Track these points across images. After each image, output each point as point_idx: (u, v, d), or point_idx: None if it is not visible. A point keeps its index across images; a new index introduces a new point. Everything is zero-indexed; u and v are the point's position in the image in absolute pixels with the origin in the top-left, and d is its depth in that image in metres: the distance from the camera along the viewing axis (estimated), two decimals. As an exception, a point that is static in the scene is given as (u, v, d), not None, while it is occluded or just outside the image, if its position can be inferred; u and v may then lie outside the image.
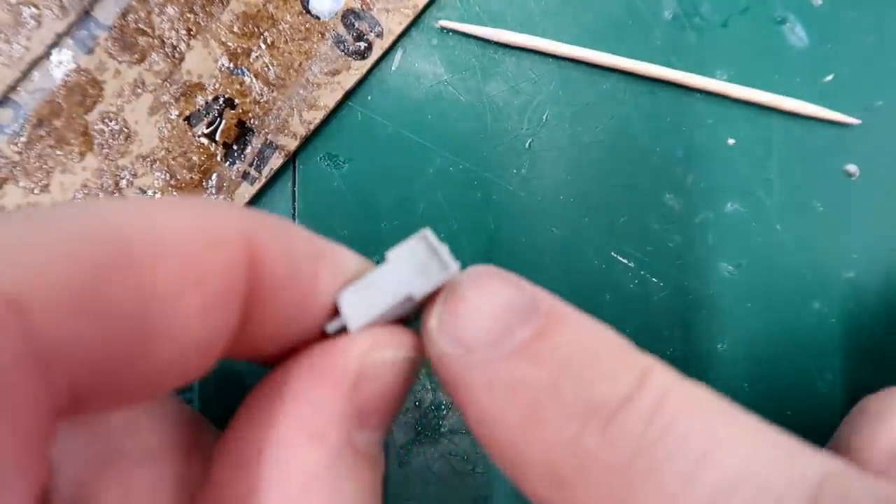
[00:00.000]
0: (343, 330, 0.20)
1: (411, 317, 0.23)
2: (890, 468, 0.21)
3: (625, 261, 0.31)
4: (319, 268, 0.20)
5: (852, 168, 0.31)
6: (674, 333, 0.31)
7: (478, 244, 0.31)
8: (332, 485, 0.18)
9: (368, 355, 0.19)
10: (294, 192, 0.32)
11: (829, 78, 0.32)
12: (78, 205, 0.16)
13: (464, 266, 0.20)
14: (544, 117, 0.32)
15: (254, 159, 0.31)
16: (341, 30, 0.31)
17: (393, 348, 0.20)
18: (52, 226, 0.14)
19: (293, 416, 0.19)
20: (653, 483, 0.15)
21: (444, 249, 0.20)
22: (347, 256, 0.21)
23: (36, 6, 0.29)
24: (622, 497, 0.15)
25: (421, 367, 0.21)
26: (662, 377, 0.16)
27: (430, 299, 0.21)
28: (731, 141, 0.32)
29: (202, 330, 0.16)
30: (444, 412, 0.31)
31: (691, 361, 0.31)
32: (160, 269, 0.15)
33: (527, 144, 0.32)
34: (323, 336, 0.21)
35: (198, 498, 0.19)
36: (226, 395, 0.24)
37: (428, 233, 0.21)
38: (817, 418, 0.30)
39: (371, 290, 0.20)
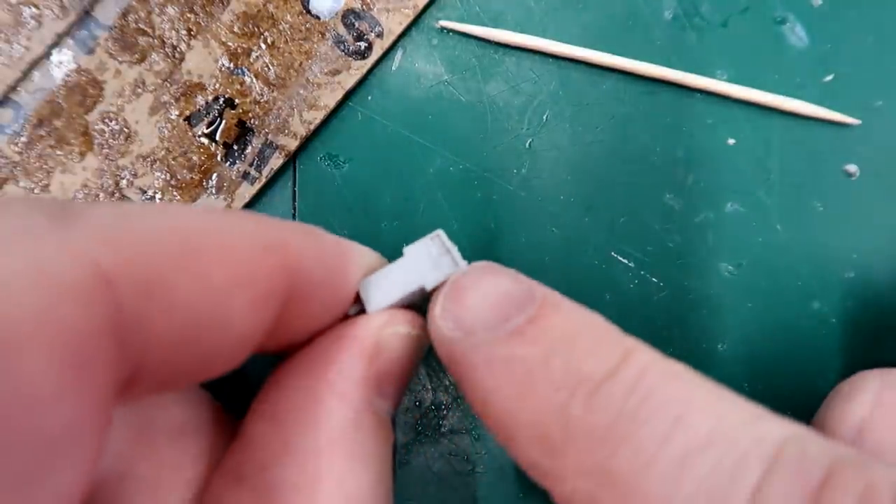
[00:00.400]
0: (362, 312, 0.24)
1: (421, 305, 0.25)
2: (856, 442, 0.23)
3: (625, 261, 0.31)
4: (347, 266, 0.23)
5: (852, 168, 0.31)
6: (674, 333, 0.31)
7: (478, 244, 0.31)
8: (356, 440, 0.21)
9: (384, 329, 0.22)
10: (294, 192, 0.32)
11: (829, 78, 0.32)
12: (158, 206, 0.18)
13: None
14: (544, 117, 0.32)
15: (254, 159, 0.31)
16: (341, 30, 0.31)
17: (405, 325, 0.23)
18: (139, 217, 0.16)
19: (323, 378, 0.22)
20: (632, 444, 0.16)
21: (454, 249, 0.24)
22: (367, 253, 0.24)
23: (36, 6, 0.29)
24: (604, 457, 0.16)
25: (426, 345, 0.24)
26: (644, 355, 0.18)
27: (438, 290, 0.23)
28: (731, 141, 0.32)
29: (248, 323, 0.18)
30: (444, 412, 0.31)
31: (691, 361, 0.31)
32: (220, 268, 0.17)
33: (527, 144, 0.32)
34: (345, 318, 0.24)
35: (228, 455, 0.22)
36: (225, 381, 0.24)
37: (442, 233, 0.24)
38: (817, 418, 0.30)
39: (388, 280, 0.24)
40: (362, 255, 0.24)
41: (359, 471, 0.21)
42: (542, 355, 0.18)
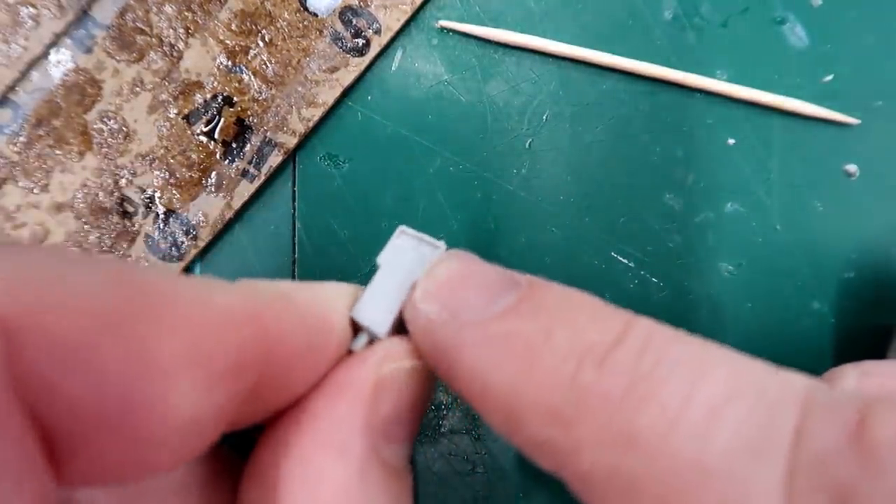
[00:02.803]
0: (371, 342, 0.21)
1: None
2: None
3: (625, 261, 0.31)
4: (330, 319, 0.21)
5: (852, 168, 0.31)
6: (673, 333, 0.31)
7: (478, 244, 0.31)
8: (364, 497, 0.19)
9: (384, 365, 0.20)
10: (294, 192, 0.32)
11: (829, 78, 0.32)
12: (99, 256, 0.16)
13: None
14: (544, 117, 0.32)
15: (253, 157, 0.31)
16: (339, 27, 0.31)
17: (408, 357, 0.21)
18: (68, 267, 0.14)
19: (316, 432, 0.19)
20: (653, 405, 0.15)
21: (425, 236, 0.22)
22: (344, 290, 0.22)
23: (34, 6, 0.29)
24: (624, 422, 0.15)
25: (437, 378, 0.22)
26: (646, 321, 0.17)
27: None
28: (731, 141, 0.32)
29: (200, 408, 0.16)
30: (444, 412, 0.31)
31: (691, 361, 0.31)
32: (166, 337, 0.15)
33: (527, 144, 0.32)
34: (348, 355, 0.21)
35: None
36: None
37: (405, 228, 0.22)
38: (816, 418, 0.31)
39: (380, 296, 0.21)
40: (339, 292, 0.22)
41: None
42: (543, 328, 0.17)
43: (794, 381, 0.15)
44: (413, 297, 0.20)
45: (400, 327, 0.22)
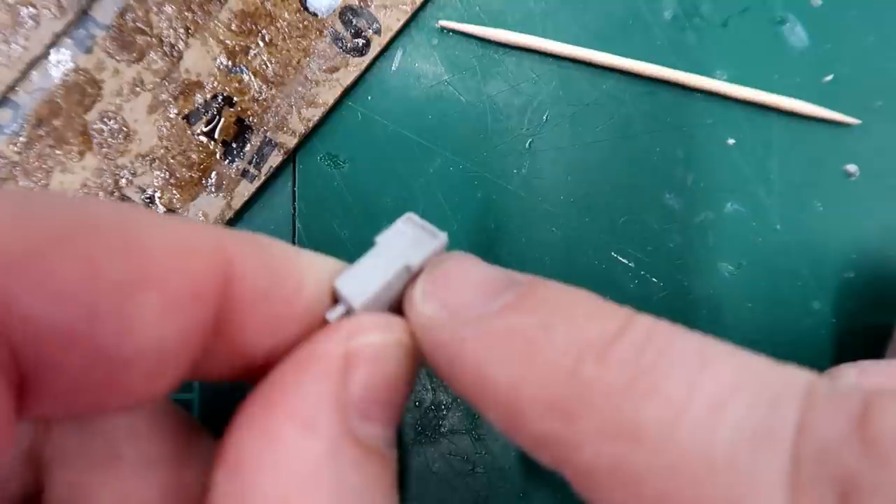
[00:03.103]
0: (346, 314, 0.21)
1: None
2: None
3: (625, 261, 0.31)
4: (300, 274, 0.20)
5: (852, 168, 0.31)
6: (673, 333, 0.31)
7: (478, 244, 0.31)
8: (335, 478, 0.18)
9: (354, 339, 0.20)
10: (294, 192, 0.32)
11: (829, 78, 0.32)
12: (59, 192, 0.16)
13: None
14: (544, 117, 0.32)
15: (253, 157, 0.31)
16: (339, 27, 0.31)
17: (380, 331, 0.20)
18: (19, 194, 0.15)
19: (282, 408, 0.19)
20: (656, 398, 0.15)
21: (429, 224, 0.21)
22: (325, 259, 0.21)
23: (34, 6, 0.29)
24: (628, 414, 0.15)
25: (419, 356, 0.21)
26: (645, 317, 0.17)
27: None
28: (731, 141, 0.32)
29: (161, 331, 0.16)
30: (444, 412, 0.31)
31: (691, 361, 0.31)
32: (121, 258, 0.15)
33: (527, 144, 0.32)
34: (324, 325, 0.21)
35: None
36: (227, 398, 0.24)
37: (412, 215, 0.22)
38: (816, 418, 0.31)
39: (367, 270, 0.21)
40: (319, 260, 0.21)
41: None
42: (543, 323, 0.17)
43: (797, 374, 0.15)
44: (413, 296, 0.20)
45: (380, 305, 0.21)
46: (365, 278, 0.21)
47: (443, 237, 0.21)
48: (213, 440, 0.22)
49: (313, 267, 0.21)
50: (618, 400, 0.15)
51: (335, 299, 0.21)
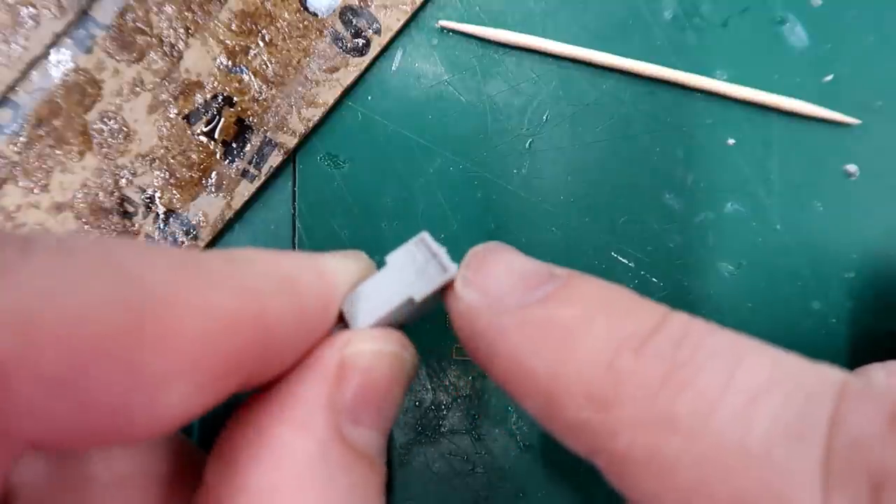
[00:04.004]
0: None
1: (407, 321, 0.23)
2: None
3: (625, 261, 0.31)
4: (328, 303, 0.21)
5: (852, 168, 0.31)
6: (673, 333, 0.31)
7: (478, 244, 0.31)
8: (324, 477, 0.18)
9: (350, 346, 0.20)
10: (294, 192, 0.32)
11: (829, 78, 0.32)
12: (107, 253, 0.15)
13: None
14: (544, 117, 0.32)
15: (253, 157, 0.31)
16: (339, 27, 0.31)
17: (376, 341, 0.21)
18: (69, 280, 0.14)
19: (279, 407, 0.19)
20: (693, 390, 0.16)
21: (442, 252, 0.21)
22: (351, 269, 0.22)
23: (34, 6, 0.29)
24: (665, 405, 0.16)
25: (409, 365, 0.22)
26: (682, 315, 0.18)
27: (431, 298, 0.21)
28: (731, 141, 0.32)
29: (188, 406, 0.16)
30: (444, 412, 0.31)
31: (691, 361, 0.31)
32: (164, 351, 0.15)
33: (527, 144, 0.32)
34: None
35: None
36: (228, 407, 0.23)
37: (426, 236, 0.22)
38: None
39: (373, 295, 0.21)
40: (344, 272, 0.22)
41: None
42: (582, 315, 0.18)
43: (831, 372, 0.16)
44: (455, 284, 0.20)
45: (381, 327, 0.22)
46: (369, 304, 0.21)
47: (452, 271, 0.21)
48: (197, 455, 0.22)
49: (338, 286, 0.21)
50: (654, 391, 0.16)
51: (342, 315, 0.21)
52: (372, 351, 0.21)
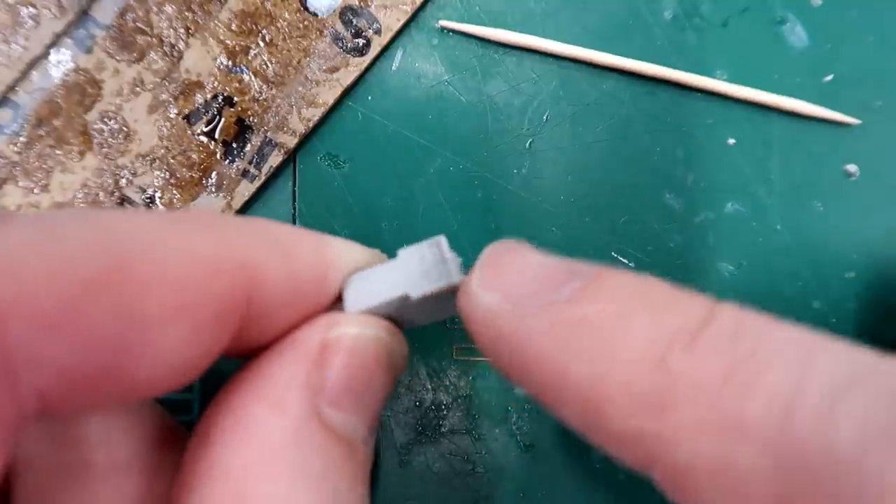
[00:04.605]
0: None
1: (408, 322, 0.23)
2: None
3: (625, 261, 0.31)
4: (325, 274, 0.21)
5: (852, 168, 0.31)
6: (673, 333, 0.31)
7: (478, 244, 0.31)
8: (297, 457, 0.18)
9: (335, 328, 0.20)
10: (294, 191, 0.32)
11: (829, 78, 0.32)
12: (85, 214, 0.16)
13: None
14: (545, 117, 0.32)
15: (253, 157, 0.31)
16: (339, 27, 0.31)
17: (358, 325, 0.20)
18: (51, 234, 0.14)
19: (255, 386, 0.19)
20: (762, 390, 0.14)
21: (453, 258, 0.21)
22: (355, 250, 0.22)
23: (34, 6, 0.29)
24: (731, 408, 0.14)
25: (397, 354, 0.21)
26: (732, 306, 0.16)
27: (431, 301, 0.21)
28: (731, 141, 0.32)
29: (186, 354, 0.16)
30: (444, 412, 0.31)
31: (691, 361, 0.31)
32: (153, 293, 0.15)
33: (527, 144, 0.32)
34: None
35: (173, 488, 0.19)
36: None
37: (442, 240, 0.21)
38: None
39: (374, 283, 0.21)
40: (348, 253, 0.22)
41: (301, 492, 0.18)
42: (619, 312, 0.16)
43: None
44: (469, 284, 0.18)
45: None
46: (369, 291, 0.21)
47: (455, 279, 0.21)
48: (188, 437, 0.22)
49: (343, 261, 0.21)
50: (717, 392, 0.14)
51: (341, 295, 0.21)
52: (356, 334, 0.20)
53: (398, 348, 0.22)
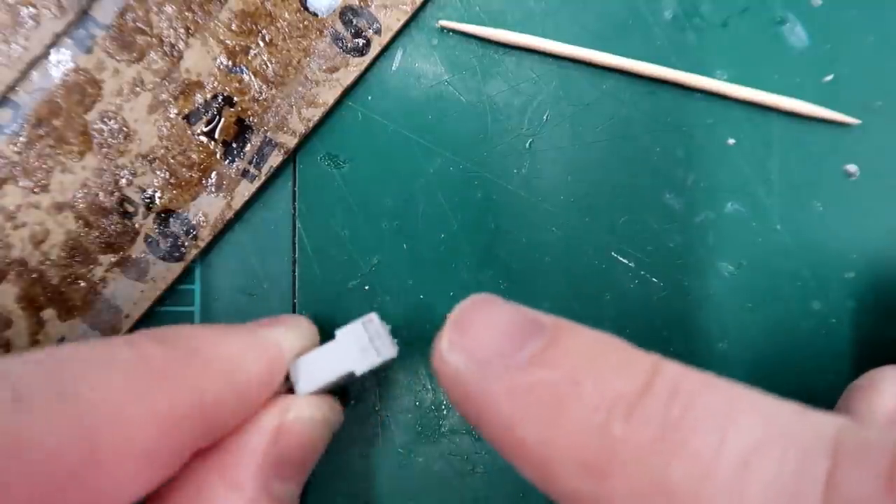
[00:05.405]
0: (290, 391, 0.25)
1: (345, 385, 0.28)
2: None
3: (625, 261, 0.31)
4: (273, 375, 0.24)
5: (852, 168, 0.31)
6: (674, 333, 0.31)
7: (478, 244, 0.31)
8: None
9: (288, 414, 0.23)
10: (294, 192, 0.32)
11: (829, 78, 0.32)
12: (53, 380, 0.18)
13: (461, 291, 0.21)
14: (545, 117, 0.32)
15: (253, 157, 0.31)
16: (339, 27, 0.31)
17: (309, 408, 0.24)
18: (27, 433, 0.17)
19: (217, 467, 0.22)
20: (685, 455, 0.15)
21: (386, 333, 0.25)
22: (294, 340, 0.25)
23: (34, 6, 0.29)
24: (658, 473, 0.15)
25: (336, 424, 0.26)
26: (673, 367, 0.17)
27: (372, 371, 0.25)
28: (731, 141, 0.32)
29: (138, 489, 0.19)
30: (444, 412, 0.31)
31: (691, 361, 0.31)
32: (119, 462, 0.18)
33: (527, 144, 0.32)
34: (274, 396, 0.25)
35: None
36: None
37: (374, 317, 0.25)
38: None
39: (318, 365, 0.25)
40: (288, 342, 0.25)
41: None
42: (570, 378, 0.17)
43: (824, 425, 0.15)
44: (439, 347, 0.20)
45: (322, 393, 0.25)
46: (314, 373, 0.25)
47: (391, 352, 0.25)
48: None
49: (283, 353, 0.25)
50: (647, 458, 0.15)
51: (288, 377, 0.25)
52: (308, 418, 0.24)
53: (337, 419, 0.26)
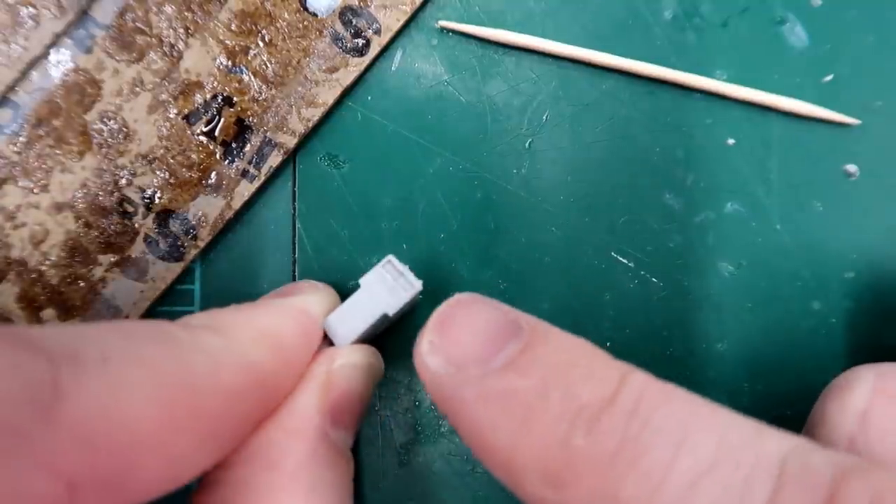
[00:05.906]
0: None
1: (381, 330, 0.28)
2: (858, 432, 0.23)
3: (625, 261, 0.31)
4: (312, 349, 0.25)
5: (852, 168, 0.31)
6: (674, 333, 0.31)
7: (478, 244, 0.31)
8: (314, 473, 0.22)
9: (336, 362, 0.24)
10: (294, 192, 0.32)
11: (829, 78, 0.32)
12: (146, 365, 0.19)
13: (454, 287, 0.22)
14: (544, 117, 0.32)
15: (253, 157, 0.31)
16: (339, 27, 0.31)
17: (355, 355, 0.25)
18: (126, 394, 0.17)
19: (278, 417, 0.23)
20: (638, 472, 0.15)
21: (407, 270, 0.26)
22: (322, 301, 0.27)
23: (34, 6, 0.29)
24: (610, 488, 0.16)
25: (379, 373, 0.27)
26: (638, 378, 0.18)
27: (403, 309, 0.26)
28: (730, 141, 0.32)
29: (202, 465, 0.20)
30: (444, 412, 0.31)
31: (691, 361, 0.31)
32: (188, 441, 0.19)
33: (527, 144, 0.32)
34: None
35: (199, 499, 0.22)
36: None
37: (393, 258, 0.26)
38: (816, 418, 0.30)
39: (351, 314, 0.26)
40: (319, 306, 0.26)
41: (317, 502, 0.22)
42: (539, 387, 0.18)
43: (775, 447, 0.16)
44: (420, 348, 0.20)
45: (360, 342, 0.26)
46: (349, 323, 0.26)
47: (418, 286, 0.25)
48: None
49: (318, 321, 0.26)
50: (603, 471, 0.16)
51: (325, 335, 0.26)
52: (354, 364, 0.25)
53: (379, 365, 0.27)
